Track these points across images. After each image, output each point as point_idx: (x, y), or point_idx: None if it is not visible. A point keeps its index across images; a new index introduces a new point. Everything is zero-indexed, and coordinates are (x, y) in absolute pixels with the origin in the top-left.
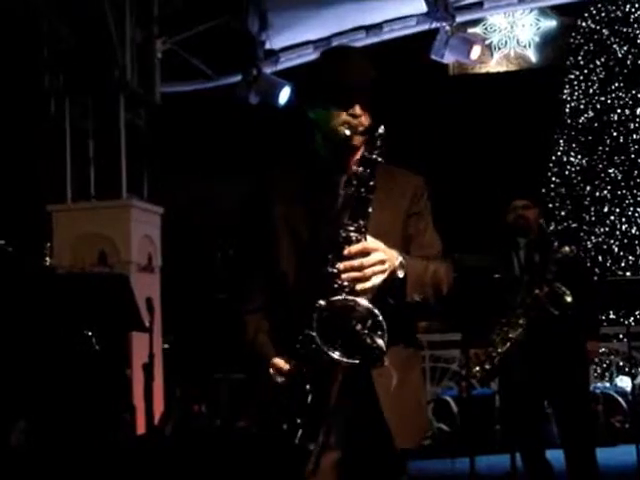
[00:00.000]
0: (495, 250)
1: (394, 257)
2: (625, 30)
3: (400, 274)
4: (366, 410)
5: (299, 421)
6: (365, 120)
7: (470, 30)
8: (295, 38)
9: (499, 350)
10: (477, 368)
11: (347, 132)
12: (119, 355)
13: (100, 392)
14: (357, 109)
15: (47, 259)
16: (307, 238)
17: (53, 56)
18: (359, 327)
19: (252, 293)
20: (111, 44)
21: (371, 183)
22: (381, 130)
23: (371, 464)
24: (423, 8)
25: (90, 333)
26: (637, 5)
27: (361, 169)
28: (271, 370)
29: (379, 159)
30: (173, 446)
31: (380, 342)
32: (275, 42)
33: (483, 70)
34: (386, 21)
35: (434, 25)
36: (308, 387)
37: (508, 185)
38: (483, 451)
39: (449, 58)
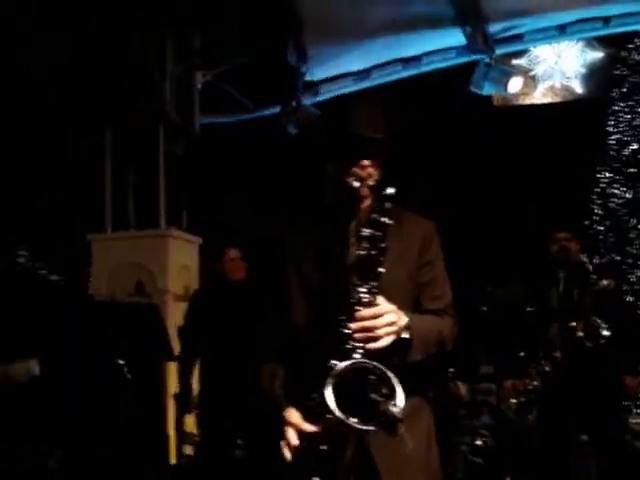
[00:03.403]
0: (533, 281)
1: (401, 318)
2: None
3: (405, 335)
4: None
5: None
6: (374, 171)
7: (515, 61)
8: (335, 70)
9: (535, 383)
10: (513, 400)
11: (355, 184)
12: (152, 384)
13: (132, 421)
14: (365, 160)
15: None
16: (318, 287)
17: (96, 87)
18: (374, 395)
19: (269, 341)
20: (151, 76)
21: (382, 245)
22: (390, 190)
23: None
24: (463, 40)
25: (122, 362)
26: None
27: (371, 232)
28: (287, 426)
29: (388, 222)
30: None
31: (395, 410)
32: (315, 73)
33: (527, 101)
34: (425, 53)
35: (474, 57)
36: (324, 447)
37: (551, 217)
38: None
39: (488, 90)
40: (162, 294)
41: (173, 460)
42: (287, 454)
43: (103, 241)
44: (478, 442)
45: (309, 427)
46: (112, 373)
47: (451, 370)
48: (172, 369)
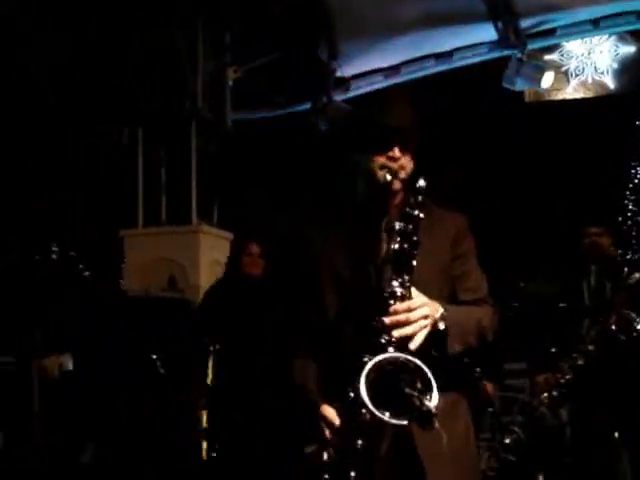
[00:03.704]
0: (564, 276)
1: (436, 310)
2: None
3: (441, 326)
4: (405, 460)
5: (352, 474)
6: (406, 163)
7: (546, 57)
8: (365, 66)
9: (567, 377)
10: (545, 395)
11: (388, 177)
12: (185, 379)
13: (165, 415)
14: (396, 152)
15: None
16: (350, 284)
17: (128, 83)
18: (408, 389)
19: (299, 337)
20: (183, 72)
21: (414, 239)
22: (422, 183)
23: None
24: (494, 35)
25: (155, 357)
26: None
27: (403, 225)
28: (321, 422)
29: (421, 215)
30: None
31: (430, 405)
32: (345, 70)
33: (559, 97)
34: (456, 49)
35: (505, 53)
36: (359, 442)
37: (584, 212)
38: None
39: (521, 86)
40: (194, 289)
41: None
42: (324, 450)
43: (135, 237)
44: (507, 440)
45: (344, 422)
46: (146, 368)
47: (477, 370)
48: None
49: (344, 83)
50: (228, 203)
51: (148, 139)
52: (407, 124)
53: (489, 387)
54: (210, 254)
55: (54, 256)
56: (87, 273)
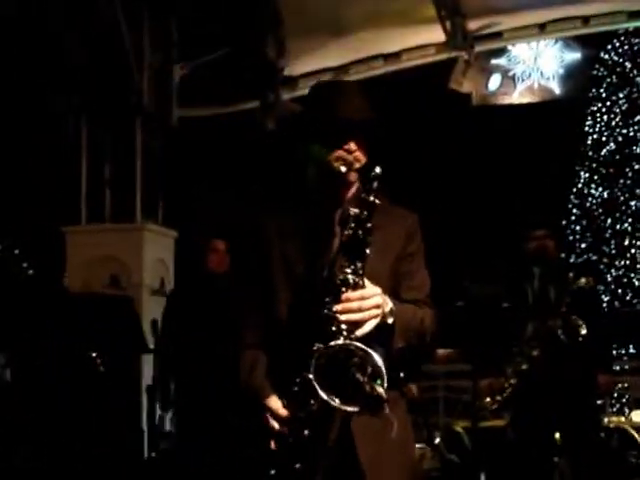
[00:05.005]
0: (507, 279)
1: (386, 303)
2: None
3: (389, 320)
4: (344, 452)
5: (297, 466)
6: (361, 156)
7: (493, 61)
8: (314, 65)
9: (511, 382)
10: (488, 399)
11: (343, 169)
12: (125, 377)
13: (104, 414)
14: (352, 145)
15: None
16: (303, 276)
17: (71, 78)
18: (359, 375)
19: (249, 328)
20: (128, 67)
21: (368, 225)
22: (377, 171)
23: None
24: (442, 37)
25: (95, 354)
26: None
27: (358, 211)
28: (267, 413)
29: (377, 201)
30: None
31: (380, 390)
32: (294, 68)
33: (506, 101)
34: (405, 49)
35: (453, 54)
36: (306, 432)
37: (528, 216)
38: None
39: (468, 88)
40: (137, 288)
41: (145, 454)
42: (271, 441)
43: (78, 233)
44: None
45: (290, 413)
46: (85, 366)
47: (401, 375)
48: (145, 362)
49: (292, 82)
50: (173, 201)
51: (92, 134)
52: (365, 119)
53: (413, 389)
54: (154, 252)
55: None
56: (31, 271)
